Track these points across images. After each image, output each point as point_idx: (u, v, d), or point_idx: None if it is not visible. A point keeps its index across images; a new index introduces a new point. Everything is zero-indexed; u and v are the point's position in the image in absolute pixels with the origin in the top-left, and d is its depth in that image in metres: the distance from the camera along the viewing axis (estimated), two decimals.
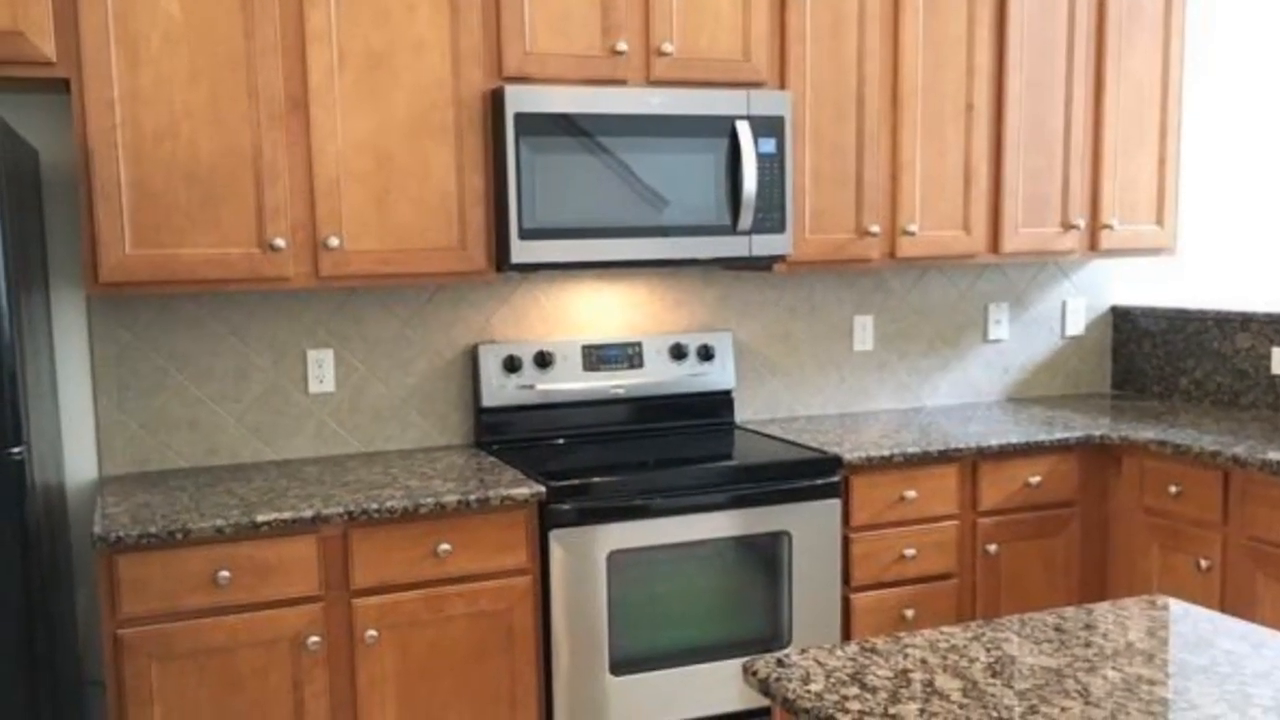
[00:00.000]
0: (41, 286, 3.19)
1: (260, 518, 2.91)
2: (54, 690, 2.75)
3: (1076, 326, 4.71)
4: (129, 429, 3.46)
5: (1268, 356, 4.14)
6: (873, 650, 1.94)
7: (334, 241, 3.23)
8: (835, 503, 3.50)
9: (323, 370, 3.64)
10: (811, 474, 3.48)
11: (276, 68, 3.16)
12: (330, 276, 3.26)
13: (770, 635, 3.47)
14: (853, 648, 1.96)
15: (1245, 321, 4.22)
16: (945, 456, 3.65)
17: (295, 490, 3.19)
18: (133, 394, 3.46)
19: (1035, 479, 3.79)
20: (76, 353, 3.41)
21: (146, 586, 2.84)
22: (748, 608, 3.44)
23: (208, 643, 2.91)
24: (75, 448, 3.43)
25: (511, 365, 3.74)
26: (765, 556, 3.44)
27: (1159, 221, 4.30)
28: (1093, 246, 4.23)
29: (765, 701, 3.43)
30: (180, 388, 3.50)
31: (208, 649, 2.91)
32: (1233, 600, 3.43)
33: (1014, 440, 3.74)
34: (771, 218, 3.59)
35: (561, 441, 3.81)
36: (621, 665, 3.30)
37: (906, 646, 1.96)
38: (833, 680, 1.81)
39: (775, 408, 4.25)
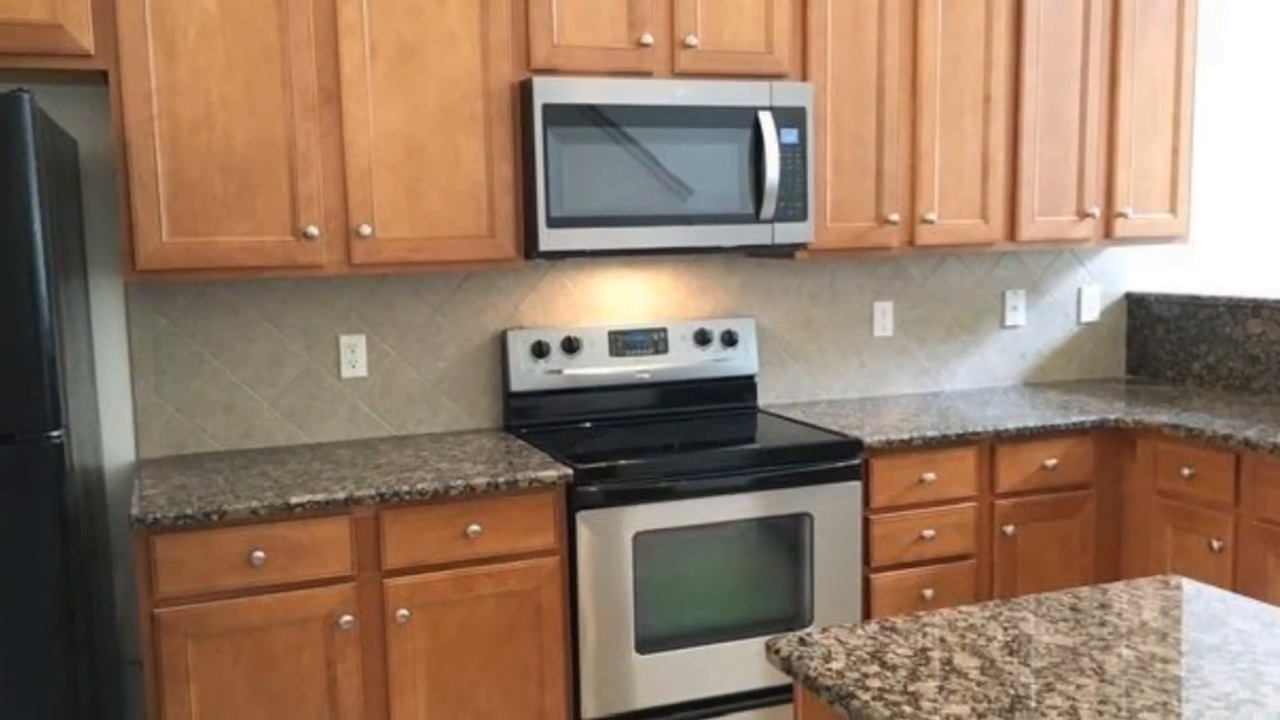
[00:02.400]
0: (80, 274, 3.22)
1: (294, 499, 2.95)
2: (93, 669, 2.78)
3: (1091, 313, 4.75)
4: (166, 413, 3.52)
5: (1278, 342, 4.19)
6: (892, 629, 1.96)
7: (366, 230, 3.27)
8: (856, 485, 3.55)
9: (355, 355, 3.69)
10: (832, 457, 3.52)
11: (310, 60, 3.20)
12: (362, 264, 3.31)
13: (792, 614, 3.52)
14: (873, 627, 1.97)
15: (1256, 307, 4.25)
16: (963, 440, 3.69)
17: (328, 473, 3.23)
18: (169, 379, 3.51)
19: (1051, 462, 3.83)
20: (114, 338, 3.47)
21: (183, 567, 2.87)
22: (770, 588, 3.49)
23: (243, 622, 2.94)
24: (113, 431, 3.48)
25: (539, 350, 3.79)
26: (787, 537, 3.49)
27: (1172, 210, 4.33)
28: (1107, 234, 4.26)
29: (787, 679, 3.48)
30: (216, 372, 3.56)
31: (243, 628, 2.94)
32: (1244, 580, 3.46)
33: (1031, 424, 3.77)
34: (794, 206, 3.64)
35: (588, 425, 3.86)
36: (647, 644, 3.35)
37: (925, 625, 1.97)
38: (853, 658, 1.83)
39: (797, 392, 4.30)
